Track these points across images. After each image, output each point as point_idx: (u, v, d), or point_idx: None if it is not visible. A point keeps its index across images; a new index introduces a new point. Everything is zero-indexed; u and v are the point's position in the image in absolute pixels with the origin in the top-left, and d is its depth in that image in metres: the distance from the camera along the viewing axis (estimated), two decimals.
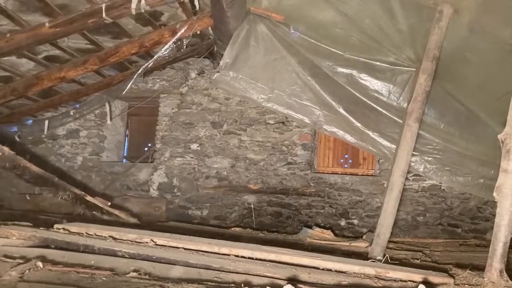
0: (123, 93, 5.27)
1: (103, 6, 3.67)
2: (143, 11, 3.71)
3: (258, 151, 5.56)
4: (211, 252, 2.33)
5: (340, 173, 5.63)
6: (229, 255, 2.29)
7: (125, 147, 6.76)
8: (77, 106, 6.06)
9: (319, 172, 5.62)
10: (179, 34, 4.25)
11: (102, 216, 4.16)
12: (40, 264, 1.69)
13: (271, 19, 3.82)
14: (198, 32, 4.49)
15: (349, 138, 4.07)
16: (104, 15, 3.68)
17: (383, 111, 3.94)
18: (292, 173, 5.45)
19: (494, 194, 2.20)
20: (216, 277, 1.82)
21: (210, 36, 4.96)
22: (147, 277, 1.70)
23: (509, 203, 2.11)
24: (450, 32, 3.05)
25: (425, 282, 1.96)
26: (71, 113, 5.97)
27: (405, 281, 2.13)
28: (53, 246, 2.14)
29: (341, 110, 3.98)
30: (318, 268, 2.18)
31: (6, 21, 3.68)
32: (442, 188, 5.13)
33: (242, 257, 2.26)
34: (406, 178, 3.23)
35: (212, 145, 5.69)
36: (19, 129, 6.15)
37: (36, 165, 3.69)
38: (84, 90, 5.69)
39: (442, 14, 2.99)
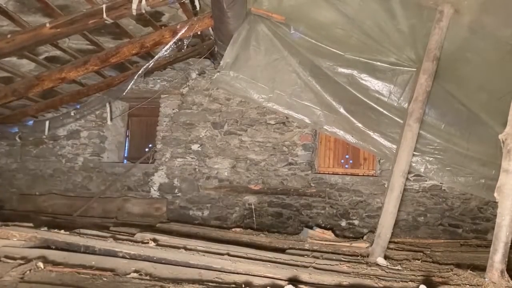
0: (124, 93, 5.28)
1: (104, 6, 3.67)
2: (143, 11, 3.71)
3: (259, 151, 5.56)
4: (212, 253, 2.33)
5: (340, 173, 5.63)
6: (230, 255, 2.29)
7: (126, 148, 6.77)
8: (78, 106, 6.06)
9: (319, 173, 5.62)
10: (179, 34, 4.25)
11: None
12: (41, 264, 1.69)
13: (271, 20, 3.82)
14: (199, 33, 4.49)
15: (349, 138, 4.07)
16: (104, 15, 3.68)
17: (384, 111, 3.93)
18: (293, 173, 5.45)
19: (495, 194, 2.20)
20: (217, 277, 1.82)
21: (211, 37, 4.96)
22: (148, 277, 1.70)
23: (510, 203, 2.11)
24: (450, 32, 3.05)
25: (426, 282, 1.96)
26: (72, 113, 5.98)
27: (406, 281, 2.13)
28: (54, 247, 2.14)
29: (342, 110, 3.97)
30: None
31: (7, 22, 3.68)
32: (443, 188, 5.13)
33: (241, 257, 2.26)
34: (407, 179, 3.22)
35: (212, 146, 5.69)
36: (20, 130, 6.16)
37: None
38: (85, 90, 5.70)
39: (442, 14, 2.99)
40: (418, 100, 3.03)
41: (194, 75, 5.90)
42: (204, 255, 2.20)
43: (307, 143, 5.49)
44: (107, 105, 5.96)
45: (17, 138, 6.18)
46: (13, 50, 4.01)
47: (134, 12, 3.66)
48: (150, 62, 4.71)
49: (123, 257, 2.04)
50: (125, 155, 6.75)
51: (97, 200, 5.74)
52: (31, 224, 2.73)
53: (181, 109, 5.87)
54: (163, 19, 4.34)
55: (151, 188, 5.82)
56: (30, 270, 1.62)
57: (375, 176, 5.46)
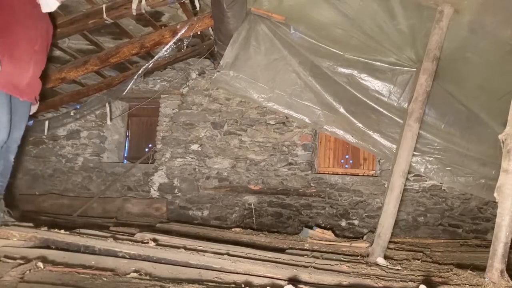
0: (124, 93, 5.28)
1: (104, 6, 3.68)
2: (143, 11, 3.71)
3: (259, 151, 5.56)
4: (212, 253, 2.33)
5: (340, 173, 5.63)
6: (229, 255, 2.29)
7: (126, 148, 6.77)
8: (78, 106, 6.07)
9: (319, 173, 5.63)
10: (179, 34, 4.26)
11: None
12: (40, 264, 1.69)
13: (271, 20, 3.82)
14: (199, 33, 4.50)
15: (349, 138, 4.07)
16: (104, 15, 3.69)
17: (384, 111, 3.94)
18: (293, 173, 5.45)
19: (495, 195, 2.20)
20: (216, 277, 1.82)
21: (211, 37, 4.97)
22: (147, 277, 1.70)
23: (510, 204, 2.10)
24: (450, 32, 3.05)
25: (426, 282, 1.96)
26: (72, 113, 5.97)
27: (406, 281, 2.13)
28: (53, 247, 2.14)
29: (342, 110, 3.98)
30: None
31: None
32: (443, 188, 5.13)
33: (241, 257, 2.26)
34: (407, 179, 3.22)
35: (212, 146, 5.70)
36: None
37: None
38: (85, 90, 5.70)
39: (442, 14, 2.99)
40: (418, 100, 3.03)
41: (194, 75, 5.90)
42: (204, 255, 2.20)
43: (307, 143, 5.49)
44: (107, 105, 5.96)
45: None
46: None
47: (134, 12, 3.67)
48: (150, 62, 4.71)
49: (123, 257, 2.04)
50: (125, 155, 6.75)
51: (97, 200, 5.74)
52: (31, 224, 2.73)
53: (181, 109, 5.87)
54: (163, 19, 4.34)
55: (151, 188, 5.82)
56: (30, 270, 1.62)
57: (375, 176, 5.46)
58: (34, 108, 3.00)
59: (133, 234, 2.80)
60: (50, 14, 2.93)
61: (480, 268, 2.37)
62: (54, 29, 3.12)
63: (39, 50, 2.79)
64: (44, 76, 3.00)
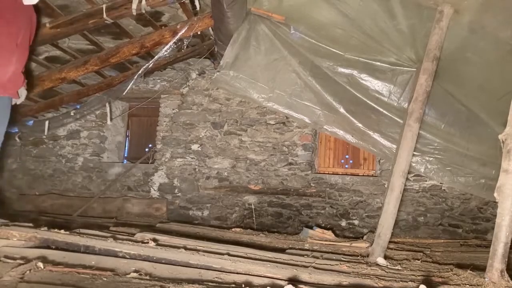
0: (124, 93, 5.28)
1: (104, 6, 3.67)
2: (143, 11, 3.71)
3: (259, 151, 5.56)
4: (212, 253, 2.33)
5: (340, 173, 5.63)
6: (229, 255, 2.29)
7: (126, 148, 6.77)
8: (78, 106, 6.07)
9: (319, 173, 5.63)
10: (179, 34, 4.26)
11: None
12: (40, 264, 1.69)
13: (271, 20, 3.82)
14: (199, 33, 4.50)
15: (349, 138, 4.07)
16: (104, 15, 3.69)
17: (384, 111, 3.93)
18: (293, 173, 5.45)
19: (495, 195, 2.20)
20: (216, 277, 1.82)
21: (211, 37, 4.97)
22: (147, 277, 1.71)
23: (510, 204, 2.10)
24: (450, 32, 3.05)
25: (426, 282, 1.96)
26: (72, 113, 5.97)
27: (406, 281, 2.13)
28: (53, 247, 2.14)
29: (342, 110, 3.97)
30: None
31: None
32: (443, 188, 5.13)
33: (241, 257, 2.26)
34: (407, 179, 3.22)
35: (212, 146, 5.70)
36: (20, 130, 6.17)
37: None
38: (85, 90, 5.70)
39: (442, 14, 2.99)
40: (418, 100, 3.03)
41: (194, 75, 5.90)
42: (204, 255, 2.20)
43: (307, 143, 5.49)
44: (107, 105, 5.95)
45: (17, 138, 6.18)
46: None
47: (134, 12, 3.66)
48: (150, 62, 4.71)
49: (123, 257, 2.04)
50: (125, 155, 6.75)
51: (97, 200, 5.74)
52: (31, 224, 2.73)
53: (181, 109, 5.87)
54: (163, 19, 4.34)
55: (151, 188, 5.82)
56: (30, 270, 1.62)
57: (375, 176, 5.46)
58: (21, 99, 2.99)
59: (133, 234, 2.80)
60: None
61: (480, 268, 2.38)
62: (39, 16, 3.06)
63: (22, 43, 2.76)
64: (28, 74, 2.96)
